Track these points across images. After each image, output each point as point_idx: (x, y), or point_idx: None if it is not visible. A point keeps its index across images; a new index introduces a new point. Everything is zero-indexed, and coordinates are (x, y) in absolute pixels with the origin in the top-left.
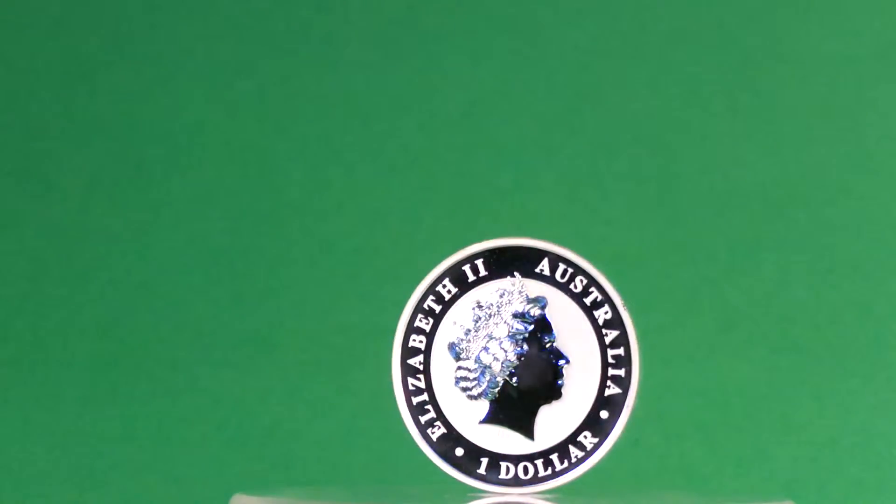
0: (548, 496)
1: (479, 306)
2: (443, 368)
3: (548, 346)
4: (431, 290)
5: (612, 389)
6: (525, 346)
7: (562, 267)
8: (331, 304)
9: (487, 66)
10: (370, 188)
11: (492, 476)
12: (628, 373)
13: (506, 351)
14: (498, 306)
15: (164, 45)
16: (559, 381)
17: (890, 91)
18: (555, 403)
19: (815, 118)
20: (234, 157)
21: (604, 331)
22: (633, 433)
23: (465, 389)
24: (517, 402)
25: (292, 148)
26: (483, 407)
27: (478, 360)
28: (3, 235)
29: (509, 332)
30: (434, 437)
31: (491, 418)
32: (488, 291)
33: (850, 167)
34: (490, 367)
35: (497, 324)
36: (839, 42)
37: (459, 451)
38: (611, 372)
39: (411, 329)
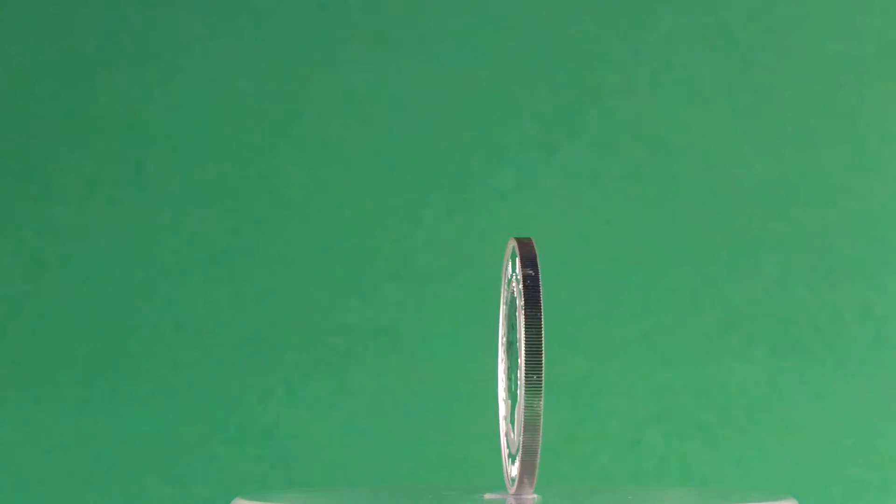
0: (546, 496)
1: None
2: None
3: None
4: (507, 287)
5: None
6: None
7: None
8: (331, 304)
9: (487, 66)
10: (370, 188)
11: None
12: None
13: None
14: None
15: (164, 45)
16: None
17: (890, 91)
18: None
19: (815, 118)
20: (234, 157)
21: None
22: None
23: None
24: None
25: (292, 148)
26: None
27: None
28: (3, 235)
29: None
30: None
31: (506, 416)
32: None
33: (850, 167)
34: (508, 365)
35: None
36: (839, 42)
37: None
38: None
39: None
